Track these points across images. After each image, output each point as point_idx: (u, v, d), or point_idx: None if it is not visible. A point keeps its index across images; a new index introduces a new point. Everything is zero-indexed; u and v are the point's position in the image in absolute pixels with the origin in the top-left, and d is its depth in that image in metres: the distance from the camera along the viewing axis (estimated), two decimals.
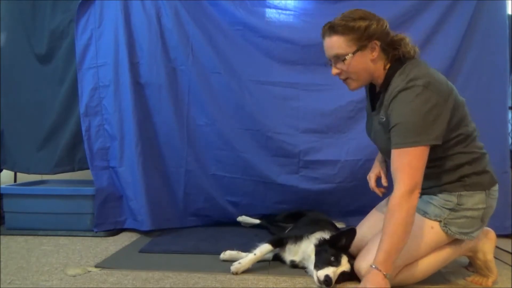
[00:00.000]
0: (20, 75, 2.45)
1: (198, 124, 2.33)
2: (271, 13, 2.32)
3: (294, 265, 1.66)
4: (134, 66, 2.26)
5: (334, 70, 1.49)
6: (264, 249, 1.64)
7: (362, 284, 1.30)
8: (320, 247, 1.54)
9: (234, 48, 2.30)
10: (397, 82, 1.38)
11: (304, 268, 1.61)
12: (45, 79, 2.44)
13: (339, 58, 1.44)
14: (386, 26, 1.43)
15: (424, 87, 1.31)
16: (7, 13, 2.45)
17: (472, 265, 1.62)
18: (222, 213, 2.36)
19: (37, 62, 2.46)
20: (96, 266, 1.63)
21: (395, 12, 2.24)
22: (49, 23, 2.42)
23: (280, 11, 2.32)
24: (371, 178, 1.73)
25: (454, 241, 1.46)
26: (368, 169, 2.29)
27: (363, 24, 1.40)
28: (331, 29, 1.44)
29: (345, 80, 1.51)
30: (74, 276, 1.51)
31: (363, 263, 1.41)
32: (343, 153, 2.30)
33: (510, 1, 2.29)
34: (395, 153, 1.34)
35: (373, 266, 1.29)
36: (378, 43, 1.41)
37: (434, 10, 2.23)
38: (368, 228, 1.68)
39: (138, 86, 2.26)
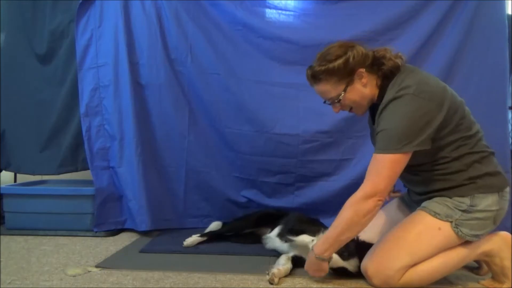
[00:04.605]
0: (20, 75, 2.45)
1: (197, 125, 2.34)
2: (271, 13, 2.32)
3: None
4: (134, 66, 2.26)
5: (335, 109, 1.53)
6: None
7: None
8: None
9: (233, 49, 2.30)
10: (389, 94, 1.39)
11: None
12: (45, 79, 2.44)
13: (334, 99, 1.49)
14: (362, 51, 1.43)
15: (414, 95, 1.33)
16: (7, 13, 2.45)
17: (481, 270, 1.59)
18: (222, 213, 2.35)
19: (37, 62, 2.46)
20: (96, 266, 1.63)
21: (395, 12, 2.24)
22: (49, 23, 2.42)
23: (280, 11, 2.32)
24: None
25: (466, 244, 1.43)
26: (366, 169, 2.29)
27: (341, 62, 1.41)
28: (314, 78, 1.47)
29: (349, 111, 1.55)
30: (74, 276, 1.51)
31: (369, 263, 1.42)
32: (342, 153, 2.30)
33: (510, 1, 2.29)
34: (372, 157, 1.38)
35: (310, 248, 1.44)
36: (362, 69, 1.43)
37: (434, 10, 2.23)
38: (372, 228, 1.67)
39: (138, 86, 2.27)
